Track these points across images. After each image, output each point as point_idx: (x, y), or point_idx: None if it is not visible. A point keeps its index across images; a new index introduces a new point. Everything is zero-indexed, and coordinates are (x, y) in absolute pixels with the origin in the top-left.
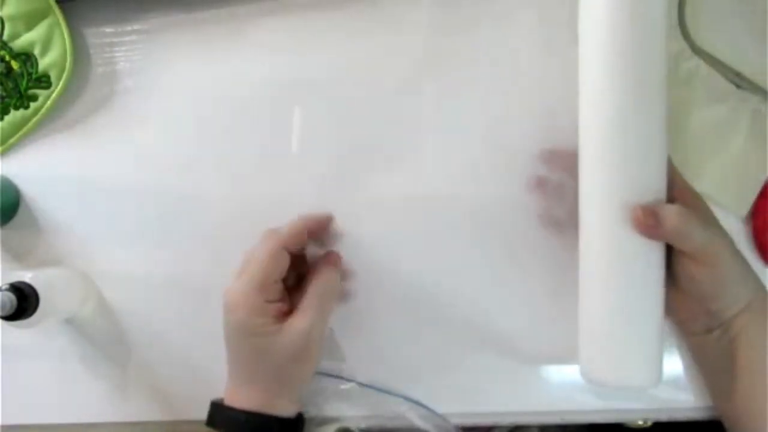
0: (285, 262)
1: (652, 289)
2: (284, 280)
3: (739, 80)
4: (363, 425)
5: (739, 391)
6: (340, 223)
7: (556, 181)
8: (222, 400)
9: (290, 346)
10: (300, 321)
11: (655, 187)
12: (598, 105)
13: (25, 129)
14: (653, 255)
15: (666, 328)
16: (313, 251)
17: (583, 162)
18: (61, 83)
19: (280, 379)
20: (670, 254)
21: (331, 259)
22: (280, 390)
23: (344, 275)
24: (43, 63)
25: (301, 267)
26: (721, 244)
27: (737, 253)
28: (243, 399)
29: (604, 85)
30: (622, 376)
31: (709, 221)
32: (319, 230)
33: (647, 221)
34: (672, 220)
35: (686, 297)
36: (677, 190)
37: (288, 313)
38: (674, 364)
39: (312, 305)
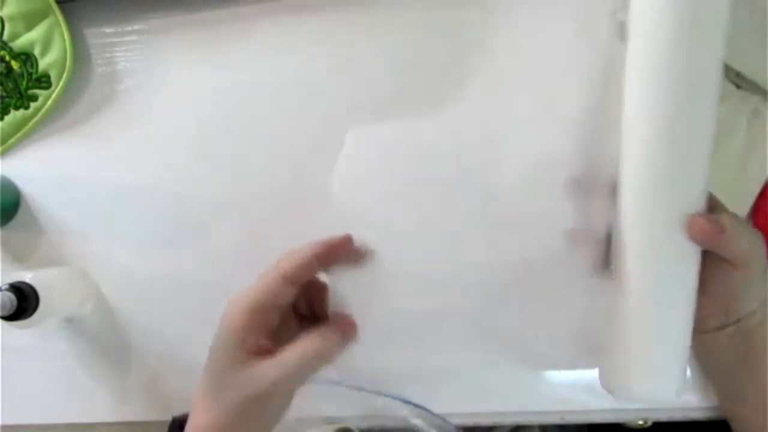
0: (283, 294)
1: (688, 302)
2: (295, 307)
3: (739, 80)
4: (363, 426)
5: (749, 388)
6: (342, 224)
7: (587, 219)
8: (186, 415)
9: (254, 388)
10: (271, 368)
11: (701, 196)
12: (648, 108)
13: (25, 129)
14: (693, 267)
15: None
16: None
17: (626, 172)
18: (61, 83)
19: (243, 416)
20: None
21: (345, 329)
22: (243, 426)
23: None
24: (43, 63)
25: (318, 294)
26: (760, 249)
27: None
28: (209, 423)
29: (657, 87)
30: (651, 388)
31: (750, 227)
32: (332, 257)
33: (712, 229)
34: (731, 228)
35: (707, 297)
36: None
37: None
38: None
39: (298, 358)
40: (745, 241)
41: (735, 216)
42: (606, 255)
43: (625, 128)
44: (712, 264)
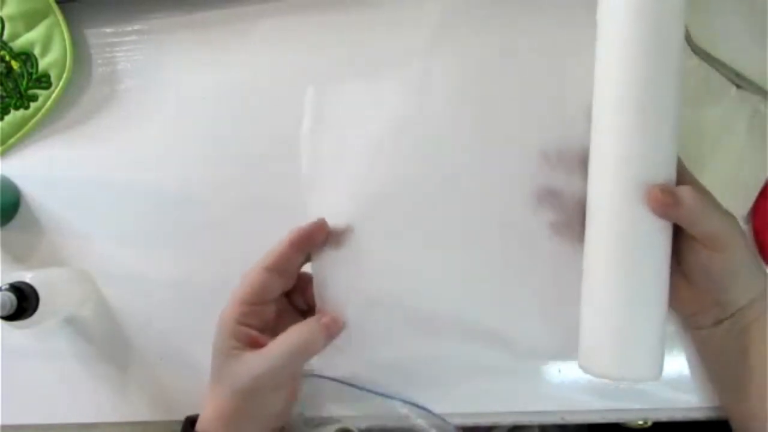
0: (268, 285)
1: (658, 279)
2: (293, 302)
3: (739, 80)
4: (363, 426)
5: (749, 385)
6: (342, 225)
7: (557, 189)
8: (197, 416)
9: (240, 379)
10: (256, 360)
11: (667, 171)
12: (614, 84)
13: (25, 129)
14: (661, 242)
15: (668, 328)
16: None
17: (595, 146)
18: (61, 83)
19: (236, 407)
20: (680, 245)
21: (329, 324)
22: (239, 417)
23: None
24: (43, 63)
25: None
26: (733, 230)
27: (747, 243)
28: (212, 414)
29: (622, 63)
30: (623, 368)
31: (721, 208)
32: (309, 242)
33: (666, 199)
34: (689, 200)
35: (696, 289)
36: (686, 184)
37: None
38: (674, 363)
39: (280, 351)
40: (712, 220)
41: (701, 192)
42: (581, 226)
43: (596, 99)
44: (690, 248)
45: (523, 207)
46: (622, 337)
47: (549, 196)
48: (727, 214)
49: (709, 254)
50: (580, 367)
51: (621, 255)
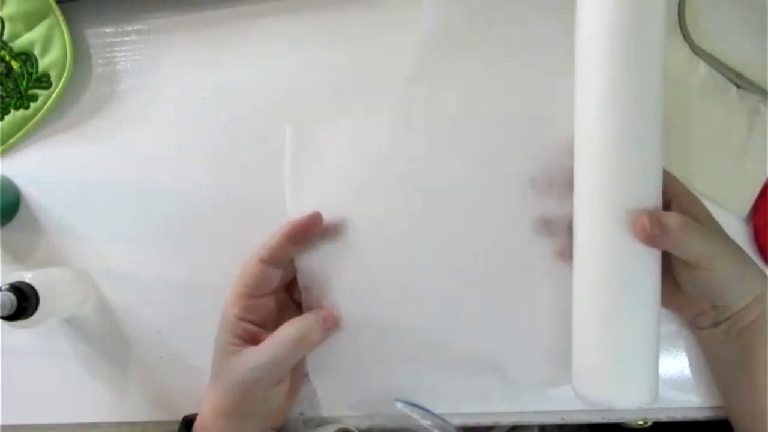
0: (266, 276)
1: (647, 304)
2: (293, 299)
3: (739, 80)
4: (363, 426)
5: (748, 385)
6: (341, 227)
7: (548, 214)
8: (196, 415)
9: (239, 374)
10: (254, 355)
11: (653, 194)
12: (596, 111)
13: (25, 129)
14: (649, 266)
15: (668, 327)
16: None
17: (579, 172)
18: (61, 83)
19: (235, 403)
20: (670, 261)
21: (327, 317)
22: (238, 413)
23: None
24: (43, 63)
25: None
26: (718, 251)
27: (737, 254)
28: (210, 412)
29: (603, 91)
30: (617, 395)
31: (709, 225)
32: (304, 235)
33: (653, 230)
34: (676, 228)
35: (684, 297)
36: (675, 193)
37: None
38: (674, 363)
39: (277, 344)
40: (696, 246)
41: (687, 218)
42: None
43: (577, 126)
44: (680, 266)
45: (513, 233)
46: (614, 364)
47: (541, 221)
48: (713, 234)
49: (697, 273)
50: (576, 394)
51: (609, 282)
